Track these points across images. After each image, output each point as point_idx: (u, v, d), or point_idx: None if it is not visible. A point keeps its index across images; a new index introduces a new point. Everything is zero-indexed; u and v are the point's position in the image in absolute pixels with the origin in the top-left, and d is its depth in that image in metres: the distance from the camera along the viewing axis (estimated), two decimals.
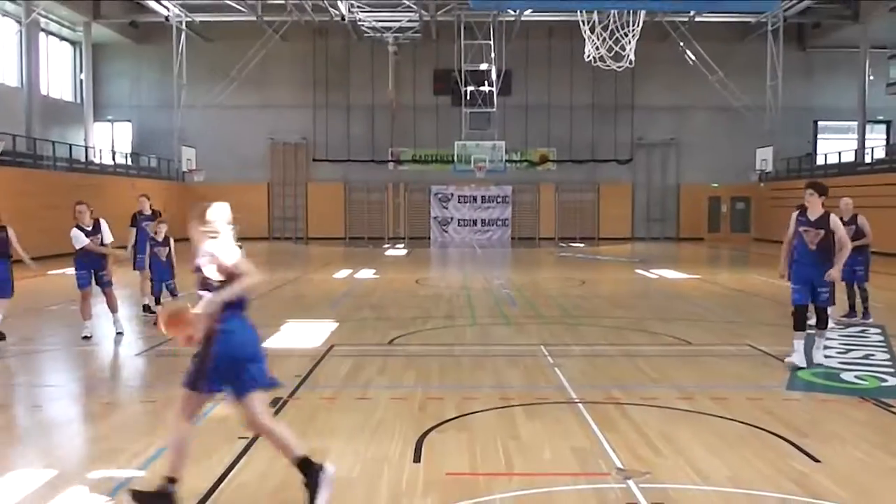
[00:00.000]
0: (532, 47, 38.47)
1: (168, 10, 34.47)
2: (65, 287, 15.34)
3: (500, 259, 28.86)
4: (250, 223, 39.02)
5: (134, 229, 13.06)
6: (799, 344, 8.72)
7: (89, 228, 10.75)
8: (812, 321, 9.13)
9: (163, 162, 37.00)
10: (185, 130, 35.81)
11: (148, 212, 13.30)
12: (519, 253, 31.77)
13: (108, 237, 10.96)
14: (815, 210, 8.67)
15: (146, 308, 12.59)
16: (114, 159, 35.11)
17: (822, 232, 8.57)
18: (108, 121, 39.42)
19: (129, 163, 36.06)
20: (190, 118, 36.00)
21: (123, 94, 39.58)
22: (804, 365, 8.64)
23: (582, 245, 36.09)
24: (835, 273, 8.60)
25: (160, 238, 12.28)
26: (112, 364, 9.76)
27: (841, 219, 11.71)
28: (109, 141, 38.90)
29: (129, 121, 39.72)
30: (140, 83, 39.50)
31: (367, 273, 21.39)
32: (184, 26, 35.31)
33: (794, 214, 8.84)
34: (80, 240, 10.70)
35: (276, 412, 6.93)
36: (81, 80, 37.14)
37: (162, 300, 11.90)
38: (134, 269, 13.15)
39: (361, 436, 6.27)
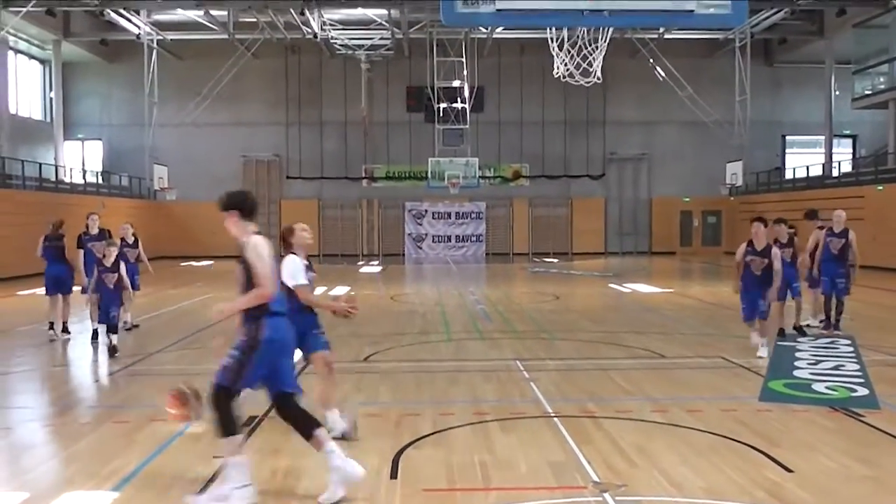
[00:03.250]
0: (504, 64, 38.74)
1: (139, 28, 34.31)
2: (35, 307, 15.16)
3: (475, 274, 28.92)
4: (222, 242, 38.79)
5: (80, 251, 12.25)
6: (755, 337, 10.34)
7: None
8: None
9: (134, 180, 36.72)
10: (157, 149, 35.57)
11: (95, 231, 12.48)
12: (493, 268, 31.85)
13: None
14: (760, 241, 10.10)
15: (95, 334, 11.55)
16: (84, 178, 34.79)
17: (766, 260, 10.06)
18: (79, 139, 39.07)
19: (100, 181, 35.74)
20: (162, 136, 35.79)
21: (94, 113, 39.27)
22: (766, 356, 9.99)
23: (555, 260, 36.24)
24: (772, 294, 10.19)
25: (108, 263, 10.88)
26: (84, 385, 9.65)
27: (831, 229, 12.12)
28: (80, 160, 38.54)
29: (99, 139, 39.40)
30: (111, 101, 39.21)
31: (341, 290, 21.33)
32: (155, 44, 35.15)
33: (743, 245, 10.32)
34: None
35: (252, 431, 6.88)
36: (51, 99, 36.81)
37: (107, 333, 10.81)
38: (82, 293, 12.05)
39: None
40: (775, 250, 10.12)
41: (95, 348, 11.33)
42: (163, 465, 5.98)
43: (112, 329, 10.87)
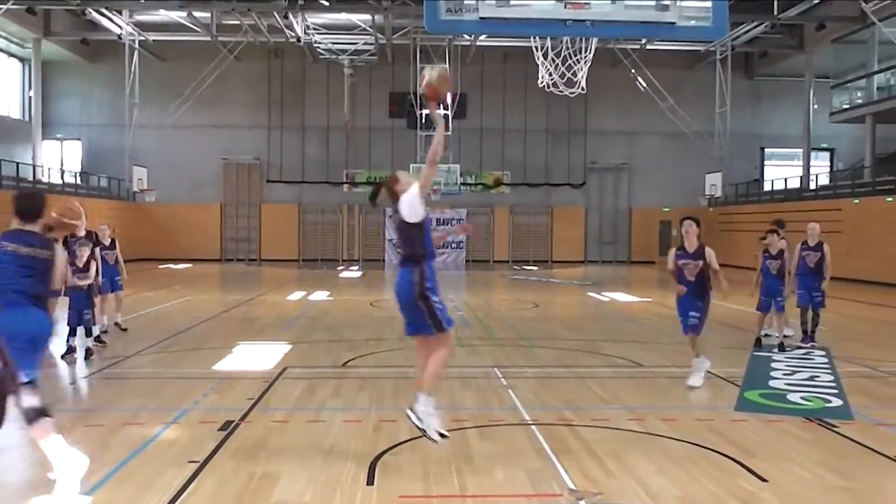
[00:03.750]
0: (487, 72, 38.85)
1: (121, 28, 34.10)
2: None
3: (455, 281, 28.91)
4: (201, 244, 38.60)
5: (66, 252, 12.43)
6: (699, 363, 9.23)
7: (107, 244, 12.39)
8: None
9: (113, 181, 36.45)
10: (137, 150, 35.33)
11: (82, 233, 11.96)
12: (473, 275, 31.87)
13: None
14: (692, 243, 9.13)
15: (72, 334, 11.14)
16: (62, 178, 34.49)
17: (700, 263, 9.06)
18: (58, 139, 38.75)
19: (79, 182, 35.44)
20: (142, 137, 35.56)
21: (74, 113, 38.96)
22: (699, 385, 9.07)
23: (535, 268, 36.33)
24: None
25: (80, 264, 10.58)
26: (57, 387, 9.53)
27: (806, 243, 12.08)
28: (58, 160, 38.20)
29: (78, 139, 39.10)
30: (91, 101, 38.93)
31: (320, 295, 21.27)
32: (137, 45, 34.94)
33: (673, 249, 9.36)
34: None
35: (228, 435, 6.84)
36: (30, 98, 36.48)
37: (86, 335, 10.81)
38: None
39: (314, 459, 6.22)
40: (709, 251, 9.06)
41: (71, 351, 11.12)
42: (136, 470, 5.92)
43: (87, 332, 10.73)
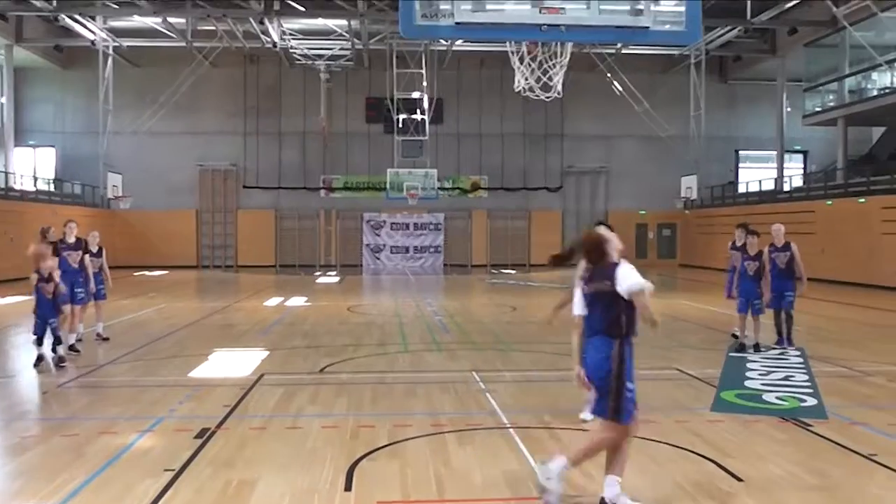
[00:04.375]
0: (463, 77, 38.93)
1: (94, 34, 33.83)
2: None
3: (433, 286, 28.91)
4: (177, 251, 38.32)
5: (57, 259, 11.71)
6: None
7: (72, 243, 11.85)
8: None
9: (87, 189, 36.09)
10: (112, 156, 35.05)
11: (72, 240, 12.19)
12: (451, 279, 31.88)
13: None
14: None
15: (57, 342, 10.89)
16: (35, 185, 34.09)
17: (608, 283, 7.59)
18: (31, 146, 38.31)
19: (53, 189, 35.07)
20: (116, 144, 35.28)
21: (47, 119, 38.57)
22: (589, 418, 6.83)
23: (513, 271, 36.40)
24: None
25: (45, 273, 10.48)
26: (32, 397, 9.42)
27: (773, 244, 11.94)
28: (31, 167, 37.77)
29: (52, 146, 38.69)
30: (64, 108, 38.55)
31: (298, 301, 21.18)
32: (111, 51, 34.69)
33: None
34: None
35: (205, 443, 6.79)
36: (2, 105, 36.03)
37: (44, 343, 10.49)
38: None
39: (292, 465, 6.19)
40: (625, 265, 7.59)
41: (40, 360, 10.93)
42: (112, 479, 5.86)
43: (56, 340, 10.54)
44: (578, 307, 5.43)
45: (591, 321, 5.31)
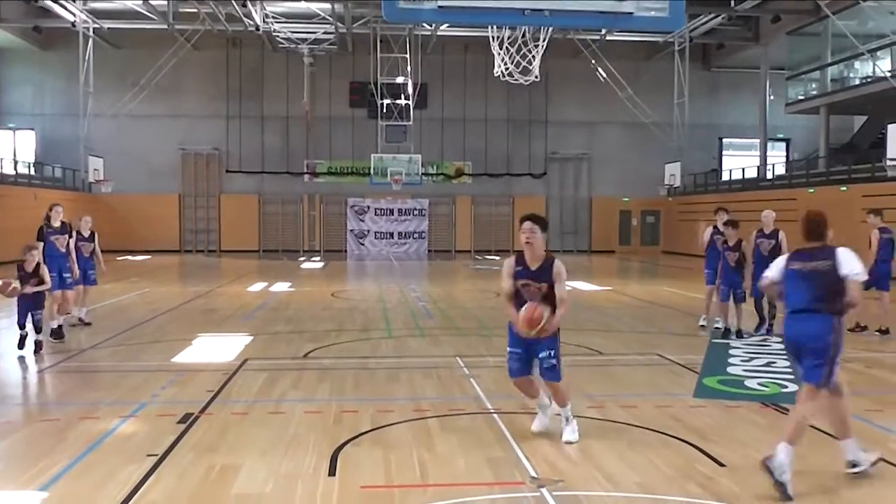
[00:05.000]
0: (448, 62, 38.79)
1: (74, 15, 33.40)
2: None
3: (417, 271, 28.91)
4: (159, 235, 38.08)
5: (41, 244, 11.48)
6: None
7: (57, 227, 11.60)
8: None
9: (68, 172, 35.74)
10: (93, 140, 34.69)
11: (57, 224, 11.93)
12: (435, 265, 31.88)
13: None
14: (533, 254, 6.71)
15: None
16: (15, 169, 33.70)
17: (543, 285, 6.56)
18: (10, 129, 37.89)
19: (32, 173, 34.69)
20: (97, 127, 34.92)
21: (26, 102, 38.12)
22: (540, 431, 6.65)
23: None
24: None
25: (29, 268, 10.21)
26: (12, 381, 9.35)
27: (761, 231, 11.88)
28: (11, 150, 37.35)
29: (32, 129, 38.25)
30: (44, 90, 38.09)
31: (281, 286, 21.11)
32: (91, 33, 34.26)
33: (510, 261, 6.82)
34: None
35: (188, 428, 6.77)
36: None
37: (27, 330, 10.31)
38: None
39: (275, 450, 6.18)
40: (557, 266, 6.66)
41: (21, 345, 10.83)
42: (94, 464, 5.83)
43: (37, 329, 10.33)
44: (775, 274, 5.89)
45: (799, 296, 5.65)
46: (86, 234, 12.94)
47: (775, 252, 11.59)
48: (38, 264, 10.40)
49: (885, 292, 12.23)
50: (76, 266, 12.33)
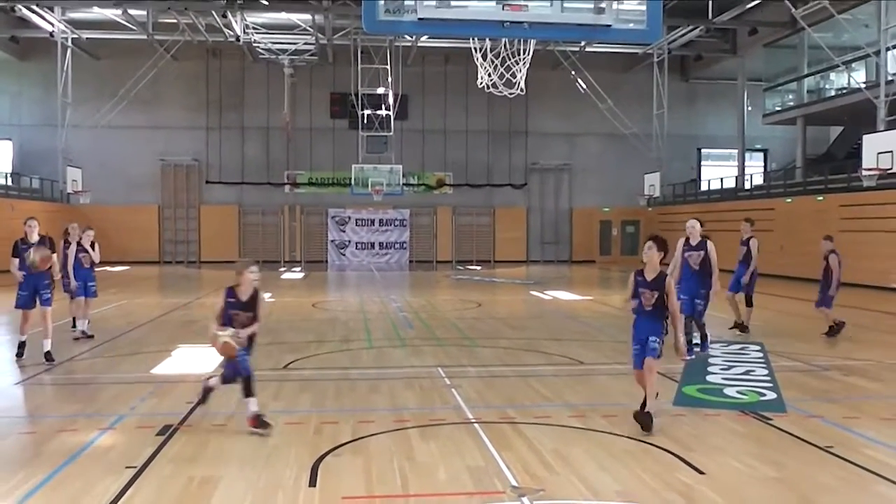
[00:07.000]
0: (428, 73, 38.89)
1: (52, 26, 33.21)
2: None
3: (398, 282, 28.88)
4: (138, 246, 37.81)
5: (16, 260, 10.84)
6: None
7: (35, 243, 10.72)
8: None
9: (46, 183, 35.44)
10: (71, 150, 34.43)
11: (34, 238, 11.01)
12: (416, 276, 31.86)
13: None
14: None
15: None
16: None
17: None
18: None
19: (10, 183, 34.37)
20: (76, 138, 34.68)
21: (3, 112, 37.75)
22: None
23: (478, 268, 36.49)
24: None
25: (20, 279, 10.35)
26: None
27: (687, 242, 10.81)
28: None
29: (9, 139, 37.91)
30: (21, 101, 37.78)
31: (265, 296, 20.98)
32: (70, 43, 34.06)
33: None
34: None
35: (167, 440, 6.72)
36: None
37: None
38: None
39: (255, 462, 6.15)
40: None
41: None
42: (71, 477, 5.77)
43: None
44: None
45: None
46: (87, 246, 12.86)
47: (706, 265, 10.85)
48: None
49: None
50: (73, 279, 12.58)
